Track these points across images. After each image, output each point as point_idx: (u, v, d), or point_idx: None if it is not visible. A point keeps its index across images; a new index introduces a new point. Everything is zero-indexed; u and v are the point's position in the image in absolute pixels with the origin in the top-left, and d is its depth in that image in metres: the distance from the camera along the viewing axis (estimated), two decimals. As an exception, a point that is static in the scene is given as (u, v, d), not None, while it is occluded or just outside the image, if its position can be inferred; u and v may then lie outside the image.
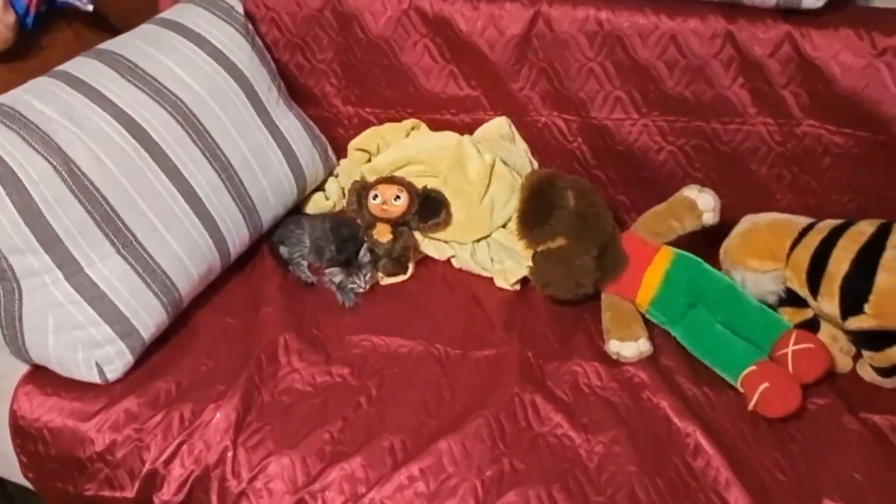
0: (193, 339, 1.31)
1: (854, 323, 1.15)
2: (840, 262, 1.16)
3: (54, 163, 1.16)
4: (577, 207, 1.32)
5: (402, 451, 1.12)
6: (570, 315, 1.35)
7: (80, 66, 1.31)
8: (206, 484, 1.13)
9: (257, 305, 1.36)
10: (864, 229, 1.17)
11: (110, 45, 1.38)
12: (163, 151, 1.28)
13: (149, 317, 1.25)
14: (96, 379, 1.22)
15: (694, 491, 1.05)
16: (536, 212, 1.33)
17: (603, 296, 1.33)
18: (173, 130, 1.31)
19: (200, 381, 1.23)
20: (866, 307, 1.13)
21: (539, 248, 1.33)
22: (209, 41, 1.42)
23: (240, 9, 1.49)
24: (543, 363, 1.24)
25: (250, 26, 1.50)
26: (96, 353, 1.21)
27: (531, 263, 1.34)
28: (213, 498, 1.12)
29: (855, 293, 1.14)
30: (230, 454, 1.13)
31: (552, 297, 1.34)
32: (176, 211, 1.29)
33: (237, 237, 1.40)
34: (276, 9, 1.55)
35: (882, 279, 1.12)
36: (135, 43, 1.39)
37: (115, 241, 1.22)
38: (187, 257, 1.30)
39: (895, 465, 1.06)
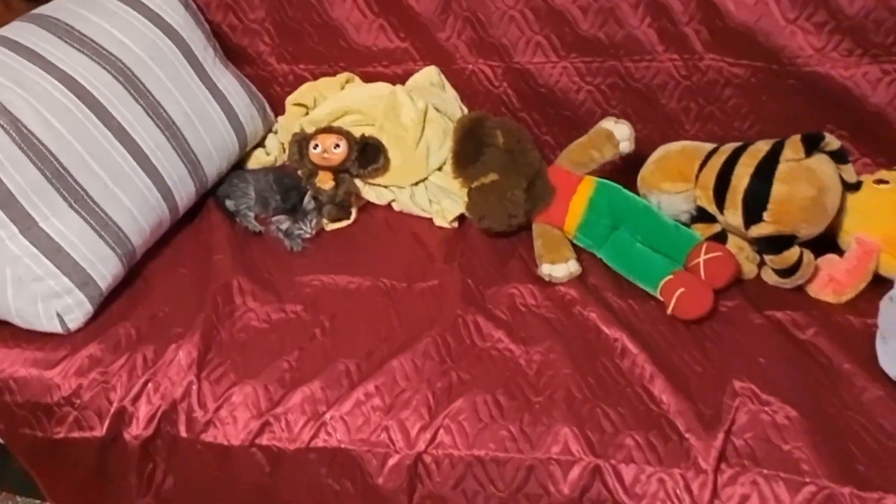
0: (149, 289, 1.37)
1: (755, 230, 1.28)
2: (741, 177, 1.29)
3: (3, 123, 1.20)
4: (506, 145, 1.42)
5: (357, 372, 1.20)
6: (506, 245, 1.45)
7: (18, 30, 1.35)
8: (174, 417, 1.20)
9: (208, 254, 1.42)
10: (761, 147, 1.31)
11: (45, 9, 1.42)
12: (107, 111, 1.33)
13: (105, 268, 1.30)
14: (58, 329, 1.27)
15: (622, 386, 1.16)
16: (468, 151, 1.42)
17: (534, 225, 1.43)
18: (115, 90, 1.36)
19: (159, 325, 1.29)
20: (765, 215, 1.26)
21: (473, 185, 1.43)
22: (143, 3, 1.47)
23: (171, -29, 1.53)
24: (483, 288, 1.34)
25: (182, -12, 1.55)
26: (56, 304, 1.26)
27: (467, 199, 1.43)
28: (182, 428, 1.19)
29: (755, 204, 1.27)
30: (195, 387, 1.20)
31: (488, 230, 1.44)
32: (124, 167, 1.34)
33: (184, 191, 1.46)
34: (206, -30, 1.60)
35: (777, 189, 1.25)
36: (69, 7, 1.43)
37: (67, 196, 1.27)
38: (137, 211, 1.36)
39: (793, 349, 1.20)
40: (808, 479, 1.02)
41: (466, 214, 1.46)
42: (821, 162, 1.27)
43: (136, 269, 1.40)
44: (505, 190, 1.39)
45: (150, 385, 1.22)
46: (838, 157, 1.29)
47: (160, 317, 1.31)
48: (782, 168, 1.26)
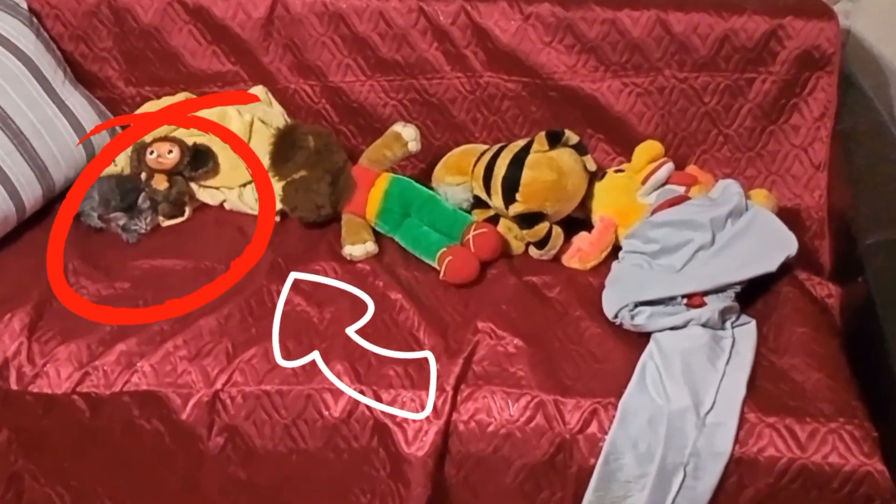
0: (-9, 274, 1.55)
1: (512, 209, 1.55)
2: (500, 167, 1.56)
3: None
4: (316, 147, 1.66)
5: (170, 331, 1.40)
6: (317, 234, 1.67)
7: None
8: (6, 373, 1.36)
9: (47, 245, 1.61)
10: (518, 143, 1.59)
11: None
12: None
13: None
14: None
15: (394, 334, 1.39)
16: (283, 152, 1.66)
17: (342, 215, 1.67)
18: None
19: (-2, 302, 1.47)
20: (517, 196, 1.53)
21: (287, 180, 1.66)
22: (-3, 32, 1.68)
23: (24, 4, 1.75)
24: (291, 266, 1.55)
25: (35, 20, 1.76)
26: None
27: (282, 193, 1.67)
28: (12, 382, 1.35)
29: (509, 187, 1.54)
30: (25, 346, 1.37)
31: (301, 220, 1.67)
32: None
33: (31, 193, 1.64)
34: (58, 6, 1.81)
35: (525, 174, 1.53)
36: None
37: None
38: (-17, 206, 1.54)
39: (535, 301, 1.46)
40: (525, 391, 1.26)
41: (282, 207, 1.69)
42: (562, 153, 1.56)
43: (-17, 262, 1.57)
44: (311, 184, 1.63)
45: (-17, 347, 1.39)
46: (579, 149, 1.58)
47: (-1, 296, 1.49)
48: (530, 158, 1.54)
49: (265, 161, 1.74)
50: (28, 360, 1.37)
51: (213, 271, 1.56)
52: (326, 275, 1.55)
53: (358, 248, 1.58)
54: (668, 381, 1.25)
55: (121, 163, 1.85)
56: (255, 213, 1.74)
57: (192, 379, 1.34)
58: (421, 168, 1.81)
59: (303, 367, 1.34)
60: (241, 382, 1.33)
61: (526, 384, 1.28)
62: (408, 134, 1.66)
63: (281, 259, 1.57)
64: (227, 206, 1.77)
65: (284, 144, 1.66)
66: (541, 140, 1.55)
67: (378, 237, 1.63)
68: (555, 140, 1.55)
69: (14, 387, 1.36)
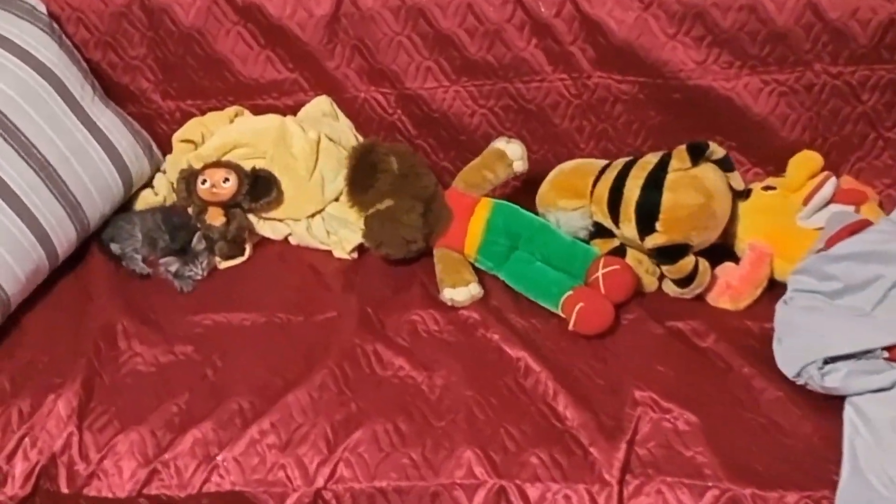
0: (24, 336, 1.29)
1: (650, 241, 1.29)
2: (632, 189, 1.29)
3: None
4: (400, 170, 1.40)
5: (251, 410, 1.15)
6: (406, 272, 1.42)
7: None
8: (53, 472, 1.11)
9: (90, 298, 1.35)
10: (650, 159, 1.32)
11: None
12: None
13: (-26, 320, 1.21)
14: None
15: (525, 404, 1.14)
16: (362, 178, 1.40)
17: (434, 250, 1.41)
18: None
19: (36, 374, 1.21)
20: (657, 225, 1.27)
21: (369, 212, 1.40)
22: (12, 41, 1.40)
23: (42, 8, 1.47)
24: (383, 316, 1.30)
25: (56, 26, 1.49)
26: (-80, 361, 1.17)
27: (363, 227, 1.40)
28: (63, 484, 1.11)
29: (646, 214, 1.27)
30: (75, 439, 1.12)
31: (387, 257, 1.41)
32: None
33: (63, 235, 1.38)
34: (81, 8, 1.53)
35: (666, 198, 1.26)
36: (-70, 48, 1.35)
37: None
38: (10, 257, 1.28)
39: (692, 356, 1.20)
40: (710, 483, 1.01)
41: (364, 243, 1.42)
42: (707, 170, 1.29)
43: (12, 318, 1.31)
44: (400, 215, 1.37)
45: (26, 440, 1.13)
46: (724, 164, 1.31)
47: (37, 366, 1.23)
48: (670, 178, 1.28)
49: (334, 187, 1.49)
50: (81, 455, 1.12)
51: (288, 326, 1.31)
52: (426, 326, 1.30)
53: (460, 292, 1.32)
54: (889, 464, 0.99)
55: (162, 191, 1.59)
56: (327, 247, 1.48)
57: (286, 475, 1.09)
58: (513, 187, 1.54)
59: (423, 454, 1.08)
60: (349, 478, 1.08)
61: (710, 473, 1.02)
62: (513, 152, 1.40)
63: (370, 308, 1.32)
64: (292, 240, 1.51)
65: (364, 168, 1.39)
66: (681, 155, 1.28)
67: (478, 275, 1.37)
68: (697, 155, 1.28)
69: (65, 490, 1.11)
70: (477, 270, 1.39)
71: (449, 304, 1.32)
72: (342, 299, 1.35)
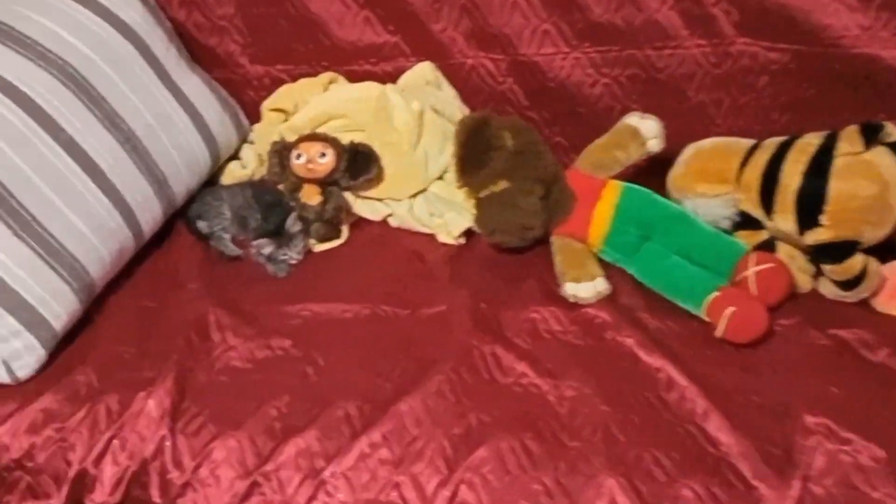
0: (111, 325, 1.19)
1: (811, 237, 1.12)
2: (791, 176, 1.13)
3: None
4: (516, 147, 1.25)
5: (359, 418, 1.02)
6: (520, 262, 1.27)
7: None
8: (145, 479, 1.01)
9: (179, 283, 1.25)
10: (811, 141, 1.14)
11: None
12: (54, 121, 1.16)
13: (58, 304, 1.12)
14: (5, 379, 1.09)
15: (671, 424, 0.99)
16: (474, 156, 1.25)
17: (552, 238, 1.26)
18: (64, 98, 1.18)
19: (124, 368, 1.11)
20: (822, 219, 1.10)
21: (481, 194, 1.26)
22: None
23: (125, -37, 1.35)
24: (499, 313, 1.17)
25: (140, -19, 1.37)
26: (2, 349, 1.07)
27: (475, 211, 1.26)
28: (155, 493, 1.01)
29: (810, 206, 1.11)
30: (169, 443, 1.02)
31: (500, 245, 1.27)
32: (77, 186, 1.16)
33: (149, 212, 1.28)
34: (165, -37, 1.41)
35: (835, 188, 1.09)
36: (7, 5, 1.24)
37: (10, 223, 1.09)
38: (95, 236, 1.18)
39: (870, 376, 1.03)
40: (907, 534, 0.86)
41: (475, 228, 1.29)
42: (881, 155, 1.11)
43: (96, 304, 1.21)
44: (518, 198, 1.23)
45: (115, 442, 1.03)
46: (898, 147, 1.13)
47: (125, 358, 1.13)
48: (838, 163, 1.10)
49: (439, 164, 1.34)
50: (174, 462, 1.01)
51: (394, 320, 1.18)
52: (548, 326, 1.16)
53: (585, 288, 1.17)
54: None
55: (250, 164, 1.47)
56: (430, 230, 1.35)
57: (401, 496, 0.96)
58: (635, 168, 1.37)
59: (556, 479, 0.95)
60: (471, 502, 0.95)
61: (905, 522, 0.87)
62: (648, 129, 1.24)
63: (484, 303, 1.18)
64: (392, 221, 1.38)
65: (476, 145, 1.24)
66: (852, 137, 1.10)
67: (602, 266, 1.23)
68: (871, 136, 1.10)
69: (157, 499, 1.01)
70: (601, 262, 1.24)
71: (571, 300, 1.18)
72: (451, 291, 1.22)
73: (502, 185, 1.24)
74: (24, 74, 1.15)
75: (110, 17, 1.29)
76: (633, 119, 1.25)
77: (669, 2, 1.30)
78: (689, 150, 1.28)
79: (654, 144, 1.24)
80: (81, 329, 1.17)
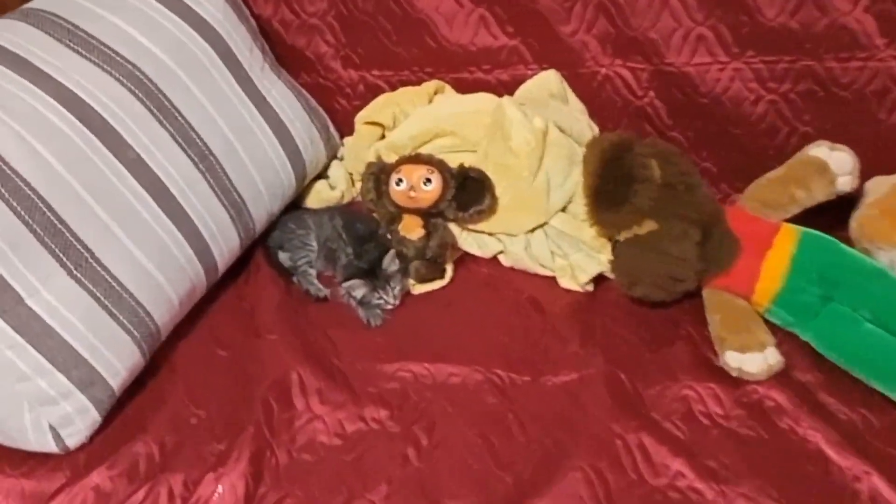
0: (176, 381, 1.04)
1: None
2: None
3: (-30, 161, 0.88)
4: (665, 179, 1.04)
5: (470, 508, 0.83)
6: (665, 319, 1.07)
7: (1, 31, 1.02)
8: (214, 586, 0.84)
9: (256, 331, 1.09)
10: None
11: (41, 2, 1.10)
12: (120, 137, 1.01)
13: (117, 358, 0.96)
14: (52, 447, 0.94)
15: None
16: (612, 188, 1.05)
17: (706, 293, 1.05)
18: (132, 109, 1.04)
19: (191, 438, 0.95)
20: None
21: (621, 237, 1.04)
22: (171, -7, 1.13)
23: (206, -45, 1.18)
24: (642, 388, 0.97)
25: (222, -24, 1.20)
26: (49, 413, 0.92)
27: (612, 257, 1.05)
28: None
29: None
30: (243, 541, 0.84)
31: (643, 298, 1.05)
32: (143, 215, 1.01)
33: (224, 244, 1.12)
34: (252, -48, 1.26)
35: None
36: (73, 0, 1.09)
37: (63, 259, 0.94)
38: (162, 275, 1.02)
39: None
40: None
41: (610, 276, 1.07)
42: None
43: (159, 352, 1.04)
44: (668, 244, 1.02)
45: (178, 534, 0.87)
46: None
47: (192, 425, 0.97)
48: None
49: (563, 193, 1.13)
50: (249, 569, 0.83)
51: (513, 389, 0.99)
52: (705, 407, 0.96)
53: (753, 361, 0.97)
54: None
55: (340, 184, 1.29)
56: (550, 272, 1.15)
57: None
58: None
59: None
60: None
61: None
62: (840, 163, 1.02)
63: (623, 374, 0.97)
64: (504, 260, 1.19)
65: (616, 174, 1.03)
66: None
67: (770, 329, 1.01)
68: None
69: None
70: (768, 324, 1.01)
71: (734, 374, 0.97)
72: (581, 354, 1.02)
73: (648, 226, 1.03)
74: (88, 82, 1.01)
75: (188, 13, 1.15)
76: (822, 150, 1.04)
77: (863, 2, 1.06)
78: (881, 188, 1.08)
79: (846, 183, 1.02)
80: (142, 384, 1.00)
